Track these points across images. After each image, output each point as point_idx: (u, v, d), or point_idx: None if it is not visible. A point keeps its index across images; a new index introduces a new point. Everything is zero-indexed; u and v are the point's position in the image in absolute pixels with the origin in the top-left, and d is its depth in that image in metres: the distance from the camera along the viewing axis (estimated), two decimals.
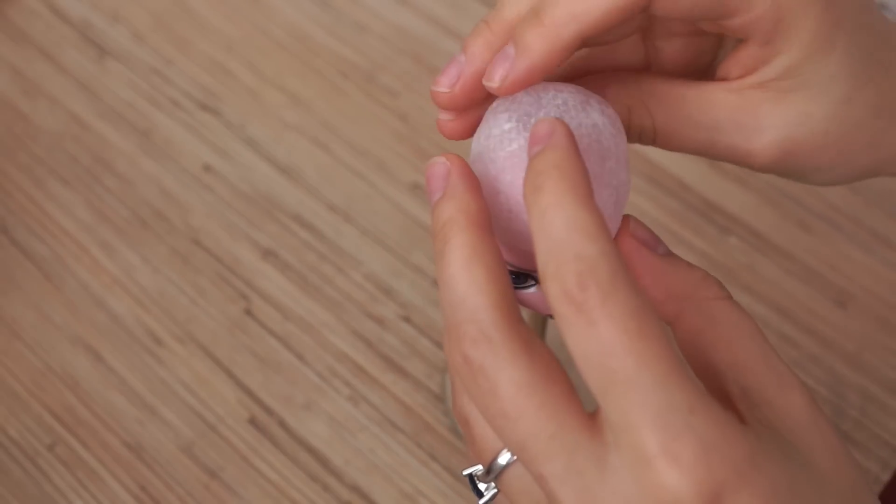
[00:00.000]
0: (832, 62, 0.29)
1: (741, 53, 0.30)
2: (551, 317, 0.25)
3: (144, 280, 0.47)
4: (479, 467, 0.27)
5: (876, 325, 0.45)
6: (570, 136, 0.25)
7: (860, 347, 0.45)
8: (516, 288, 0.28)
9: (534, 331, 0.26)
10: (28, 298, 0.47)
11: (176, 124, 0.52)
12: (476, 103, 0.29)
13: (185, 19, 0.55)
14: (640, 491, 0.24)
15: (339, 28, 0.55)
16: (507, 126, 0.27)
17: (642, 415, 0.23)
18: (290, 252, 0.48)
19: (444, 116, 0.29)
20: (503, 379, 0.24)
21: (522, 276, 0.28)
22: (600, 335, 0.23)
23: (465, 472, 0.28)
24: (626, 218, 0.29)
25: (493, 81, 0.27)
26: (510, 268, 0.28)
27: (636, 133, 0.30)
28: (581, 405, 0.25)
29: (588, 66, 0.32)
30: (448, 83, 0.29)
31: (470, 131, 0.29)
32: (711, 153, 0.30)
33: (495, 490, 0.28)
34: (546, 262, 0.24)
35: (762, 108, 0.30)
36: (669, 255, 0.28)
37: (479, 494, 0.28)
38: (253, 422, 0.44)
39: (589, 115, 0.27)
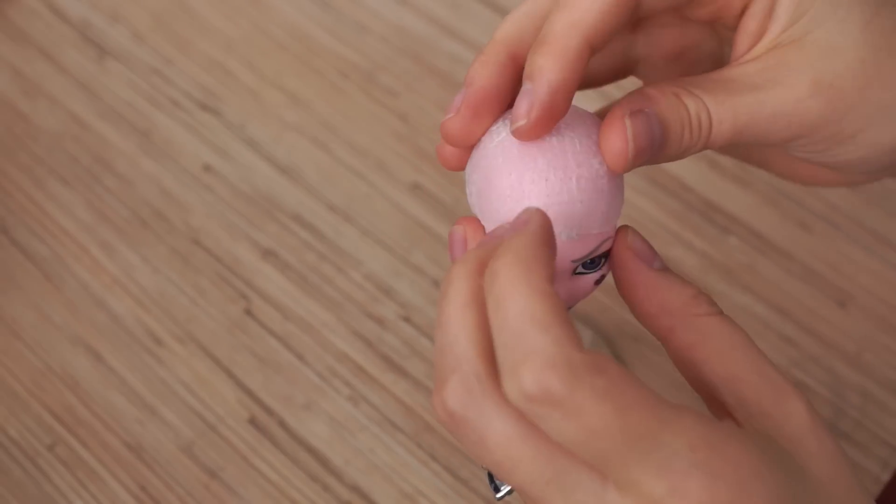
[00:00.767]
0: None
1: (743, 25, 0.29)
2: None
3: (144, 280, 0.47)
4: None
5: (876, 325, 0.45)
6: (545, 223, 0.25)
7: (860, 347, 0.45)
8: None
9: None
10: (28, 298, 0.47)
11: (176, 124, 0.52)
12: (482, 125, 0.28)
13: (185, 19, 0.55)
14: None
15: (339, 28, 0.55)
16: (497, 127, 0.28)
17: (645, 474, 0.23)
18: (290, 252, 0.48)
19: (448, 150, 0.29)
20: (491, 432, 0.24)
21: None
22: (580, 424, 0.23)
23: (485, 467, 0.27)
24: (625, 229, 0.29)
25: (521, 119, 0.26)
26: None
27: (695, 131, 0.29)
28: None
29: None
30: (454, 108, 0.28)
31: (466, 159, 0.29)
32: (765, 130, 0.28)
33: (509, 488, 0.28)
34: (504, 357, 0.24)
35: (788, 60, 0.28)
36: (664, 269, 0.28)
37: (496, 489, 0.29)
38: (253, 422, 0.44)
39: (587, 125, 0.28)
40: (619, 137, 0.26)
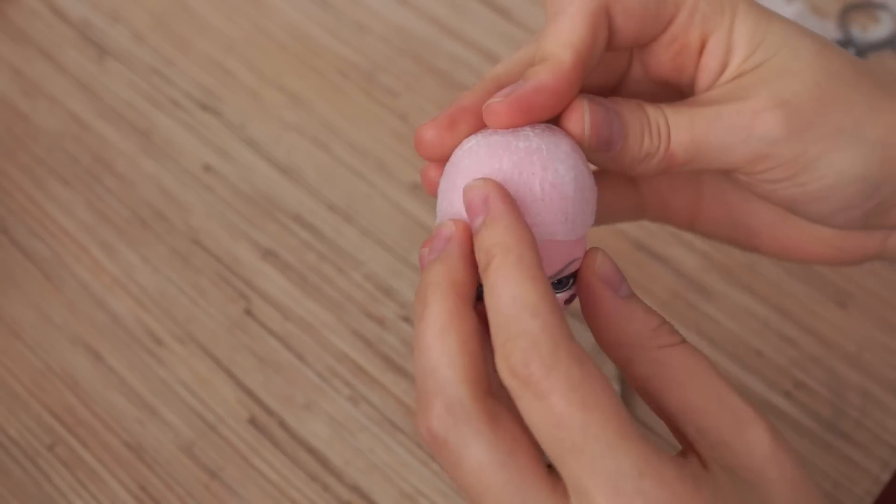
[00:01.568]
0: (784, 26, 0.29)
1: (703, 64, 0.30)
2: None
3: (144, 280, 0.47)
4: None
5: (876, 325, 0.45)
6: (506, 197, 0.26)
7: (860, 347, 0.45)
8: (478, 299, 0.27)
9: (501, 403, 0.26)
10: (28, 298, 0.47)
11: (176, 124, 0.52)
12: (455, 136, 0.29)
13: (185, 19, 0.55)
14: None
15: (339, 28, 0.55)
16: (467, 139, 0.29)
17: (593, 481, 0.24)
18: (290, 252, 0.48)
19: (431, 172, 0.30)
20: (467, 456, 0.25)
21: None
22: (547, 407, 0.24)
23: None
24: (594, 251, 0.29)
25: (497, 98, 0.28)
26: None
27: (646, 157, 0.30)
28: (545, 471, 0.26)
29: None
30: (433, 124, 0.29)
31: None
32: (725, 143, 0.29)
33: None
34: (495, 335, 0.25)
35: (746, 83, 0.29)
36: (630, 297, 0.28)
37: None
38: (253, 422, 0.44)
39: (558, 137, 0.28)
40: (577, 116, 0.28)
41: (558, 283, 0.28)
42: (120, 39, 0.55)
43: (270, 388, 0.44)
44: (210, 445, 0.43)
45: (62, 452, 0.43)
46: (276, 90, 0.53)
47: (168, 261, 0.48)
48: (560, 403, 0.24)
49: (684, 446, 0.27)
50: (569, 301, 0.28)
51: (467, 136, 0.29)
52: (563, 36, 0.28)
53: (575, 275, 0.28)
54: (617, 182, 0.35)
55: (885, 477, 0.42)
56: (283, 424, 0.44)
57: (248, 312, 0.46)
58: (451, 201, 0.28)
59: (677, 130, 0.29)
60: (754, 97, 0.29)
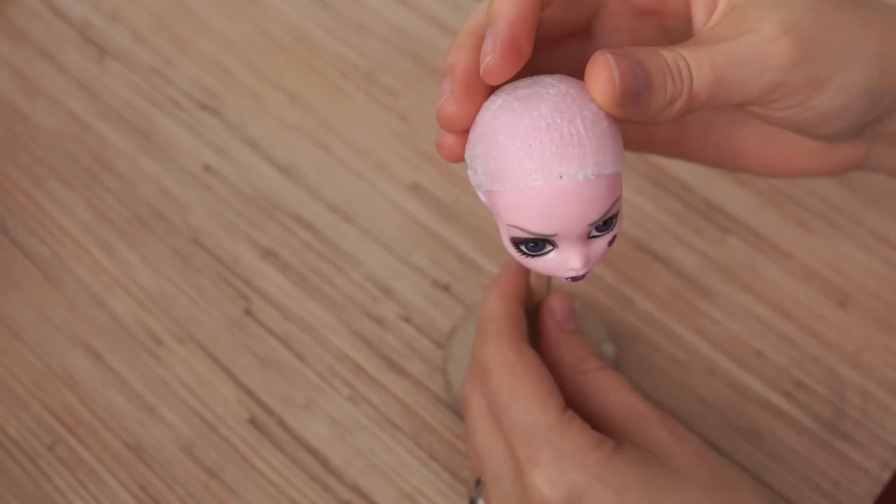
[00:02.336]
0: None
1: (694, 4, 0.31)
2: (567, 279, 0.30)
3: (144, 280, 0.47)
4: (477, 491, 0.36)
5: (876, 325, 0.45)
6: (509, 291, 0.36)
7: (860, 347, 0.45)
8: (533, 256, 0.29)
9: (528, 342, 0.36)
10: (28, 298, 0.47)
11: (176, 124, 0.52)
12: (476, 102, 0.29)
13: (185, 19, 0.55)
14: (520, 490, 0.32)
15: (339, 28, 0.55)
16: (489, 101, 0.29)
17: (514, 435, 0.32)
18: (290, 252, 0.48)
19: (449, 139, 0.30)
20: (473, 406, 0.36)
21: (541, 242, 0.29)
22: (489, 380, 0.34)
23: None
24: (555, 293, 0.37)
25: (487, 56, 0.28)
26: (528, 235, 0.28)
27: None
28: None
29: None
30: (445, 93, 0.29)
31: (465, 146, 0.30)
32: (744, 76, 0.29)
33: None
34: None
35: (747, 14, 0.29)
36: (574, 331, 0.37)
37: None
38: (253, 422, 0.44)
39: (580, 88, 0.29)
40: (605, 72, 0.27)
41: (604, 225, 0.29)
42: (120, 39, 0.55)
43: (270, 388, 0.44)
44: (210, 445, 0.43)
45: (62, 452, 0.43)
46: (276, 90, 0.53)
47: (168, 261, 0.48)
48: (494, 375, 0.34)
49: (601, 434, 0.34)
50: (611, 242, 0.30)
51: (485, 98, 0.29)
52: None
53: (617, 215, 0.29)
54: None
55: (885, 477, 0.42)
56: (283, 424, 0.44)
57: (248, 312, 0.46)
58: (498, 161, 0.28)
59: (698, 69, 0.29)
60: (762, 28, 0.29)
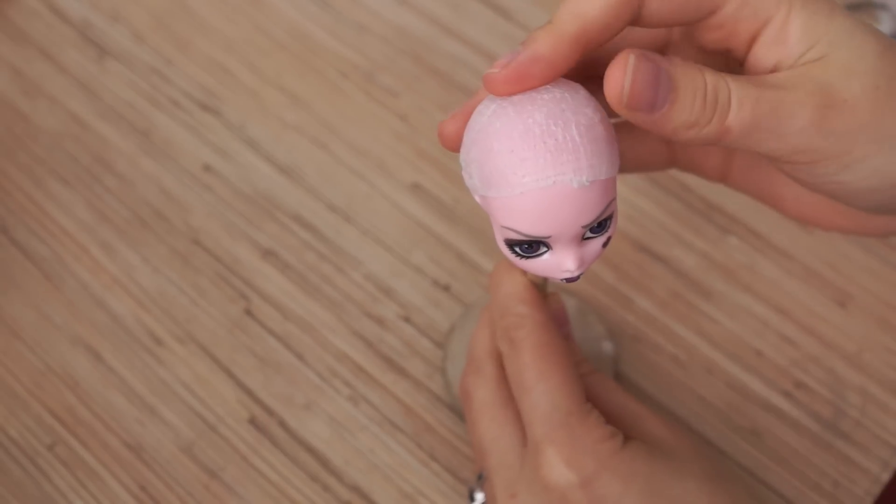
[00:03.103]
0: (845, 20, 0.28)
1: (755, 54, 0.29)
2: (562, 280, 0.30)
3: (144, 280, 0.47)
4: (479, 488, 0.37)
5: (876, 325, 0.45)
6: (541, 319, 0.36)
7: (860, 347, 0.45)
8: (527, 257, 0.29)
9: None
10: (28, 298, 0.47)
11: (176, 124, 0.52)
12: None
13: (185, 19, 0.55)
14: (531, 471, 0.33)
15: (339, 28, 0.55)
16: (482, 106, 0.29)
17: (534, 413, 0.33)
18: (290, 252, 0.48)
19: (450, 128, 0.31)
20: (476, 397, 0.37)
21: (535, 244, 0.29)
22: (518, 356, 0.34)
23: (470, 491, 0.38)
24: (554, 296, 0.38)
25: (495, 68, 0.28)
26: (522, 237, 0.29)
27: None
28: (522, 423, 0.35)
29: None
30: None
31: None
32: (781, 127, 0.28)
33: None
34: (496, 316, 0.36)
35: (810, 73, 0.28)
36: (566, 336, 0.38)
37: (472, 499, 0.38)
38: (253, 422, 0.44)
39: (580, 97, 0.29)
40: (619, 72, 0.27)
41: (598, 227, 0.29)
42: (120, 39, 0.55)
43: (270, 388, 0.44)
44: (210, 445, 0.43)
45: (62, 452, 0.43)
46: (276, 90, 0.53)
47: (168, 261, 0.48)
48: (526, 354, 0.34)
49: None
50: (605, 244, 0.30)
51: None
52: (578, 5, 0.28)
53: (611, 217, 0.29)
54: (650, 134, 0.36)
55: (885, 477, 0.42)
56: (283, 424, 0.44)
57: (248, 312, 0.46)
58: (492, 166, 0.28)
59: (740, 104, 0.27)
60: (817, 90, 0.28)
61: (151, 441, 0.43)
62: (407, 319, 0.46)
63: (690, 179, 0.49)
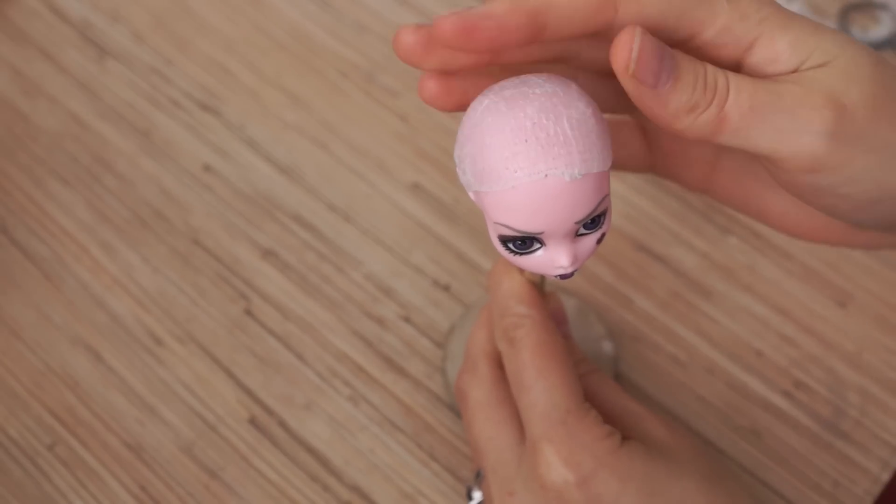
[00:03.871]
0: (834, 34, 0.28)
1: (753, 59, 0.29)
2: (556, 277, 0.30)
3: (144, 280, 0.47)
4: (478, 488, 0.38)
5: (876, 325, 0.45)
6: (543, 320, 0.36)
7: (860, 347, 0.45)
8: (521, 254, 0.29)
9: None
10: (28, 298, 0.47)
11: (176, 124, 0.52)
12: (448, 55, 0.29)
13: (185, 19, 0.55)
14: (528, 469, 0.33)
15: (339, 28, 0.55)
16: (477, 100, 0.29)
17: (533, 411, 0.33)
18: (290, 252, 0.48)
19: (431, 86, 0.31)
20: (472, 396, 0.37)
21: (528, 240, 0.29)
22: (518, 355, 0.35)
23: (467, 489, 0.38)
24: (553, 295, 0.38)
25: (439, 18, 0.27)
26: (515, 233, 0.29)
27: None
28: (520, 422, 0.35)
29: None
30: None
31: (450, 102, 0.30)
32: (779, 124, 0.28)
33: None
34: (496, 315, 0.36)
35: (812, 76, 0.28)
36: (564, 335, 0.38)
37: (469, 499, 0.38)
38: (253, 422, 0.44)
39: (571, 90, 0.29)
40: (627, 37, 0.27)
41: (591, 223, 0.29)
42: (120, 39, 0.55)
43: (270, 388, 0.44)
44: (210, 445, 0.43)
45: (62, 452, 0.43)
46: (276, 90, 0.53)
47: (168, 261, 0.48)
48: (525, 353, 0.34)
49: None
50: (599, 240, 0.30)
51: (470, 80, 0.29)
52: None
53: (605, 213, 0.29)
54: (631, 134, 0.36)
55: (885, 477, 0.42)
56: (283, 424, 0.44)
57: (248, 312, 0.46)
58: (484, 162, 0.28)
59: (738, 92, 0.27)
60: (816, 91, 0.27)
61: (151, 441, 0.43)
62: (407, 319, 0.46)
63: None
